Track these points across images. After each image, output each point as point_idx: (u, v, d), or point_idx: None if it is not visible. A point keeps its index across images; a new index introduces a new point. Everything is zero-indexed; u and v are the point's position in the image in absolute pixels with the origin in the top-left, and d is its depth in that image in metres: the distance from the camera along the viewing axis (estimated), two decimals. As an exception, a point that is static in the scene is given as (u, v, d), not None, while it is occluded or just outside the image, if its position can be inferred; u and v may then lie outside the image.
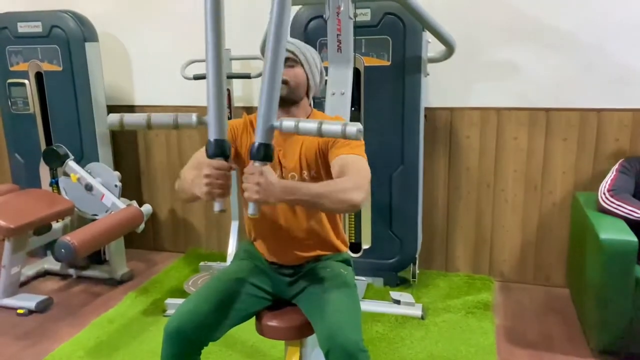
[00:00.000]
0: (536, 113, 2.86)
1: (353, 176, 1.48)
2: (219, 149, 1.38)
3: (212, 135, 1.37)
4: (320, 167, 1.63)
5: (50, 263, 3.24)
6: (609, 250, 2.14)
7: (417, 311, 2.64)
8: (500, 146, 2.94)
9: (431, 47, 2.76)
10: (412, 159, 2.78)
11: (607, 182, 2.46)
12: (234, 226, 3.17)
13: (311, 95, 1.73)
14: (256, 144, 1.37)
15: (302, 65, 1.66)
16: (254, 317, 1.73)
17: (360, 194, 1.44)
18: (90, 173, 2.98)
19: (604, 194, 2.41)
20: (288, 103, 1.65)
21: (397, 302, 2.70)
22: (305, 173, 1.63)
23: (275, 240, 1.73)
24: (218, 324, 1.59)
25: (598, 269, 2.19)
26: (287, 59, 1.60)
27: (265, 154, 1.37)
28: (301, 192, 1.40)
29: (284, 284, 1.74)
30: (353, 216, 2.96)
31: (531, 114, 2.87)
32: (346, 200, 1.42)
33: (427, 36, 2.67)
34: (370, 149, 2.99)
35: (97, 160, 3.10)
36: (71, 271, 3.20)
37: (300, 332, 1.69)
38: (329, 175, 1.62)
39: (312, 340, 1.77)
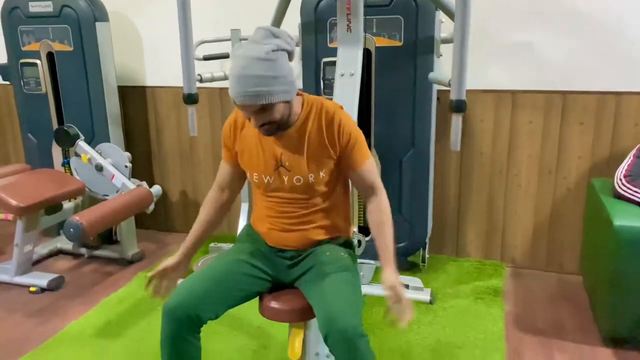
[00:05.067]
0: (552, 96, 2.79)
1: (378, 190, 1.67)
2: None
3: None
4: (331, 168, 1.64)
5: (63, 242, 3.28)
6: (623, 237, 2.09)
7: (425, 296, 2.62)
8: (515, 130, 2.87)
9: (444, 27, 2.69)
10: (423, 142, 2.73)
11: (623, 168, 2.39)
12: (244, 208, 3.17)
13: (295, 91, 1.57)
14: None
15: (267, 100, 1.46)
16: (257, 299, 1.73)
17: (386, 196, 1.69)
18: (100, 153, 2.99)
19: (620, 179, 2.34)
20: (284, 128, 1.62)
21: (406, 286, 2.68)
22: (312, 176, 1.62)
23: (279, 225, 1.72)
24: (217, 302, 1.59)
25: (612, 255, 2.14)
26: (249, 110, 1.49)
27: None
28: (394, 256, 1.65)
29: (284, 267, 1.73)
30: (363, 201, 2.92)
31: (547, 97, 2.79)
32: (391, 216, 1.67)
33: (440, 16, 2.60)
34: (381, 132, 2.94)
35: (108, 141, 3.11)
36: (83, 250, 3.24)
37: (303, 315, 1.68)
38: (338, 175, 1.67)
39: (316, 322, 1.76)
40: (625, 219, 2.13)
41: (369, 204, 1.69)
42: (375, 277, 2.87)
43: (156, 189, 2.97)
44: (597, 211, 2.41)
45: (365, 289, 2.67)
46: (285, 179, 1.64)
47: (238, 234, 1.88)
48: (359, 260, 2.83)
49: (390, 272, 1.61)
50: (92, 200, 3.08)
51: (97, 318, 2.53)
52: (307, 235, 1.71)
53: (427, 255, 2.92)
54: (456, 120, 2.11)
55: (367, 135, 2.80)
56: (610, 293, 2.19)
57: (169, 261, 1.72)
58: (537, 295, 2.71)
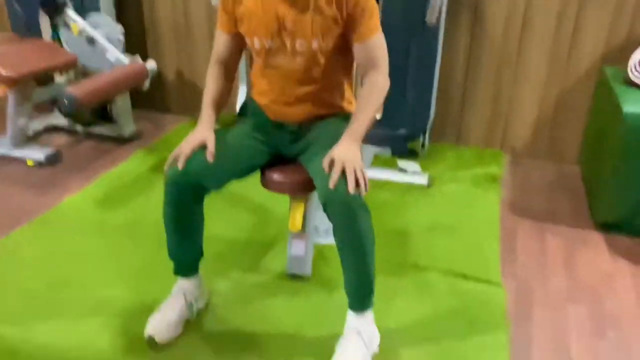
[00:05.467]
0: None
1: (380, 69, 1.56)
2: None
3: None
4: (336, 36, 1.53)
5: (57, 118, 3.22)
6: (631, 124, 2.05)
7: (423, 180, 2.63)
8: (529, 11, 2.72)
9: None
10: (433, 24, 2.58)
11: (638, 54, 2.29)
12: (242, 90, 3.08)
13: None
14: None
15: None
16: (259, 173, 1.71)
17: (387, 82, 1.58)
18: (93, 25, 2.84)
19: (635, 65, 2.25)
20: None
21: (404, 170, 2.68)
22: (315, 43, 1.54)
23: (280, 99, 1.66)
24: (220, 173, 1.58)
25: (618, 142, 2.11)
26: None
27: None
28: (362, 134, 1.51)
29: (286, 141, 1.70)
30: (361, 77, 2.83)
31: (568, -24, 2.61)
32: (382, 98, 1.56)
33: None
34: (390, 13, 2.77)
35: (98, 10, 2.93)
36: (78, 127, 3.19)
37: (304, 187, 1.67)
38: (343, 48, 1.57)
39: (316, 197, 1.77)
40: (635, 105, 2.08)
41: (364, 80, 1.58)
42: (374, 163, 2.87)
43: (151, 65, 2.86)
44: (606, 98, 2.35)
45: (364, 172, 2.67)
46: (288, 43, 1.55)
47: (238, 108, 1.82)
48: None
49: (342, 146, 1.47)
50: (85, 76, 2.97)
51: (96, 192, 2.55)
52: (308, 110, 1.66)
53: (427, 142, 2.90)
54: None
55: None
56: (609, 180, 2.19)
57: (201, 136, 1.56)
58: (534, 184, 2.73)
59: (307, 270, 1.92)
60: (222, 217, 2.33)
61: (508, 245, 2.20)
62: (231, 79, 1.72)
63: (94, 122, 3.18)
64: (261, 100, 1.71)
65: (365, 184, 1.44)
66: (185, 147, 1.54)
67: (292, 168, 1.69)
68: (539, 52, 2.77)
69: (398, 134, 2.85)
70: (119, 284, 1.92)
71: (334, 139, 1.53)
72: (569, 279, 2.00)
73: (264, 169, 1.70)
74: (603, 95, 2.44)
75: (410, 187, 2.62)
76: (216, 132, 1.62)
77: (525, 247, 2.20)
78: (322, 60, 1.57)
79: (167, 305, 1.70)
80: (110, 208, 2.42)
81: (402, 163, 2.71)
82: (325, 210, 1.47)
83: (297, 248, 1.87)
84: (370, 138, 2.86)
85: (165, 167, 1.56)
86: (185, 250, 1.70)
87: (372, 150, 2.91)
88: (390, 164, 2.82)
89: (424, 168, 2.77)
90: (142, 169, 2.77)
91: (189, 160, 1.52)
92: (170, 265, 1.73)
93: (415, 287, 1.93)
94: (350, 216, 1.44)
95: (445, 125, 3.08)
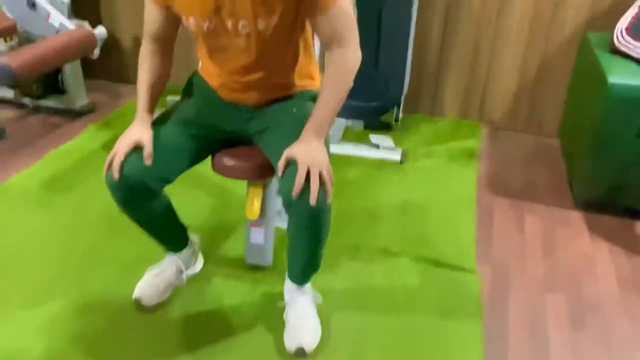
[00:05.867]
0: None
1: (348, 43, 1.33)
2: None
3: None
4: (284, 11, 1.29)
5: (2, 90, 2.96)
6: (615, 95, 1.91)
7: (395, 155, 2.48)
8: (510, -26, 2.53)
9: None
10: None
11: (626, 20, 2.13)
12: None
13: None
14: None
15: None
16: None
17: (358, 57, 1.35)
18: (33, -14, 2.56)
19: (621, 32, 2.10)
20: None
21: (376, 146, 2.52)
22: (261, 23, 1.30)
23: (230, 84, 1.46)
24: (162, 172, 1.39)
25: (601, 115, 1.97)
26: None
27: None
28: (327, 125, 1.34)
29: (241, 120, 1.51)
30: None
31: None
32: (351, 80, 1.35)
33: None
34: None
35: (40, -29, 2.65)
36: (26, 100, 2.94)
37: (262, 172, 1.51)
38: (295, 21, 1.34)
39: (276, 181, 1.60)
40: (620, 75, 1.93)
41: (330, 59, 1.34)
42: (345, 137, 2.70)
43: (100, 31, 2.61)
44: (589, 67, 2.20)
45: (335, 149, 2.51)
46: (229, 24, 1.32)
47: (184, 85, 1.60)
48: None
49: (304, 144, 1.31)
50: (31, 42, 2.71)
51: (43, 171, 2.34)
52: (262, 95, 1.47)
53: (401, 115, 2.73)
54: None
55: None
56: (591, 155, 2.06)
57: (136, 135, 1.36)
58: (512, 158, 2.60)
59: (268, 260, 1.77)
60: (178, 199, 2.15)
61: (484, 227, 2.07)
62: (169, 56, 1.49)
63: (43, 94, 2.93)
64: (210, 81, 1.51)
65: (332, 186, 1.31)
66: (120, 149, 1.34)
67: (247, 151, 1.52)
68: (520, 14, 2.60)
69: (370, 106, 2.68)
70: (64, 270, 1.75)
71: (298, 123, 1.36)
72: (547, 264, 1.89)
73: (215, 152, 1.52)
74: (586, 63, 2.29)
75: (382, 164, 2.47)
76: (155, 123, 1.43)
77: (503, 228, 2.08)
78: (271, 41, 1.35)
79: (157, 271, 1.64)
80: (59, 189, 2.22)
81: (374, 138, 2.55)
82: (286, 209, 1.33)
83: (256, 236, 1.71)
84: (341, 111, 2.70)
85: (105, 172, 1.38)
86: (163, 235, 1.61)
87: (343, 123, 2.74)
88: (362, 138, 2.66)
89: (398, 142, 2.62)
90: (95, 146, 2.56)
91: (126, 163, 1.33)
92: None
93: (385, 274, 1.80)
94: (312, 222, 1.34)
95: (420, 96, 2.91)
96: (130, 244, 1.87)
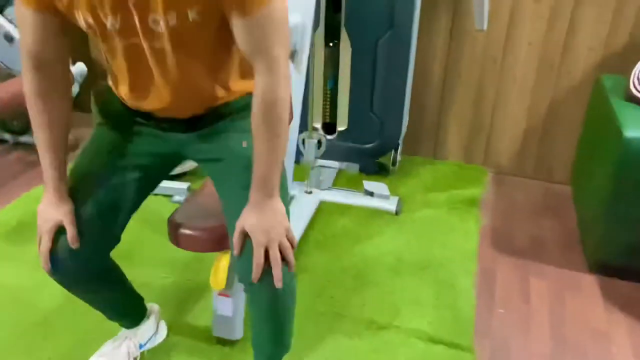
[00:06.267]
0: (568, -32, 2.24)
1: (271, 66, 1.02)
2: None
3: None
4: (205, 10, 0.99)
5: (-18, 126, 2.83)
6: (632, 151, 1.71)
7: (390, 205, 2.28)
8: (517, 11, 2.35)
9: None
10: (404, 21, 2.22)
11: (644, 64, 1.94)
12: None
13: None
14: None
15: None
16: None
17: (289, 83, 1.05)
18: (11, 20, 2.45)
19: (638, 78, 1.90)
20: None
21: (370, 193, 2.33)
22: (171, 17, 0.98)
23: (148, 99, 1.16)
24: (99, 245, 1.20)
25: (616, 170, 1.77)
26: None
27: None
28: (274, 179, 1.09)
29: (181, 140, 1.23)
30: (328, 93, 2.47)
31: (562, -32, 2.25)
32: (285, 115, 1.06)
33: None
34: (353, 7, 2.41)
35: (18, 4, 2.53)
36: (7, 137, 2.81)
37: (226, 243, 1.32)
38: (218, 15, 1.01)
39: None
40: (637, 129, 1.73)
41: (256, 85, 1.04)
42: (337, 181, 2.51)
43: (79, 68, 2.47)
44: (602, 115, 2.00)
45: (324, 196, 2.33)
46: (136, 20, 1.00)
47: (92, 104, 1.28)
48: (318, 162, 2.47)
49: (255, 212, 1.09)
50: (11, 77, 2.58)
51: (11, 217, 2.18)
52: (192, 109, 1.19)
53: (399, 158, 2.54)
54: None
55: (337, 10, 2.28)
56: (605, 212, 1.85)
57: (53, 215, 1.13)
58: (519, 207, 2.39)
59: (237, 334, 1.57)
60: (141, 250, 1.97)
61: (485, 293, 1.86)
62: (66, 85, 1.13)
63: (24, 130, 2.80)
64: (122, 94, 1.19)
65: (294, 248, 1.12)
66: (43, 235, 1.13)
67: (205, 214, 1.34)
68: (527, 54, 2.41)
69: (366, 148, 2.50)
70: (15, 336, 1.57)
71: (250, 167, 1.11)
72: (555, 339, 1.67)
73: (171, 218, 1.35)
74: (599, 110, 2.09)
75: (376, 213, 2.27)
76: (73, 178, 1.18)
77: (506, 294, 1.86)
78: (193, 36, 1.04)
79: (112, 346, 1.47)
80: (22, 239, 2.06)
81: (368, 184, 2.36)
82: (245, 291, 1.15)
83: (223, 307, 1.52)
84: (333, 153, 2.53)
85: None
86: (117, 312, 1.44)
87: (336, 166, 2.56)
88: (356, 183, 2.47)
89: (394, 188, 2.43)
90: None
91: (54, 251, 1.14)
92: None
93: (371, 351, 1.59)
94: (276, 305, 1.17)
95: (420, 136, 2.72)
96: (88, 311, 1.68)
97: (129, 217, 1.26)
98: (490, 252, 2.07)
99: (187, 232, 1.31)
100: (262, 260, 1.08)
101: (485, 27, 2.20)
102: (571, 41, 2.33)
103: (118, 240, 1.25)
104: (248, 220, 1.10)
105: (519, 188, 2.55)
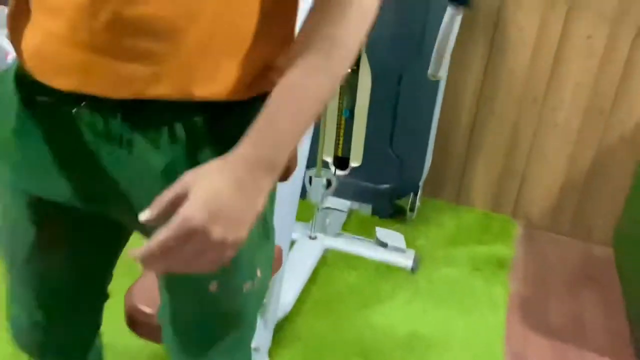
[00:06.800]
0: (628, 1, 1.94)
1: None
2: None
3: None
4: None
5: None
6: None
7: (407, 261, 1.98)
8: (565, 45, 2.05)
9: None
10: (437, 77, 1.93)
11: None
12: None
13: None
14: None
15: None
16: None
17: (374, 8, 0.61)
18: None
19: None
20: None
21: (384, 244, 2.03)
22: None
23: (91, 38, 0.58)
24: (62, 330, 0.89)
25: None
26: None
27: None
28: (291, 138, 0.59)
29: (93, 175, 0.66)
30: (343, 123, 2.18)
31: (621, 1, 1.95)
32: (363, 33, 0.61)
33: None
34: (375, 29, 2.03)
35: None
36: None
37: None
38: None
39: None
40: None
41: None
42: (347, 226, 2.21)
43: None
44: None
45: (330, 242, 2.03)
46: None
47: None
48: (326, 203, 2.17)
49: (224, 170, 0.57)
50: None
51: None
52: (177, 75, 0.60)
53: (418, 203, 2.24)
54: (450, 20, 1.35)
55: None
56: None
57: None
58: (553, 272, 2.08)
59: None
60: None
61: (515, 384, 1.55)
62: None
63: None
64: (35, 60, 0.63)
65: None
66: None
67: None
68: (574, 96, 2.11)
69: (381, 189, 2.21)
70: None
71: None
72: None
73: (128, 295, 1.05)
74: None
75: (389, 269, 1.97)
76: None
77: (539, 387, 1.55)
78: None
79: None
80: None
81: (381, 233, 2.06)
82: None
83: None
84: (344, 191, 2.24)
85: None
86: None
87: (347, 206, 2.26)
88: (367, 227, 2.17)
89: (411, 237, 2.12)
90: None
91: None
92: None
93: None
94: None
95: (444, 177, 2.42)
96: None
97: (104, 297, 0.91)
98: (520, 330, 1.76)
99: (151, 320, 1.01)
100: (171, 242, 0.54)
101: (440, 75, 1.74)
102: (626, 85, 2.03)
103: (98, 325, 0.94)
104: (207, 181, 0.56)
105: (553, 247, 2.23)
